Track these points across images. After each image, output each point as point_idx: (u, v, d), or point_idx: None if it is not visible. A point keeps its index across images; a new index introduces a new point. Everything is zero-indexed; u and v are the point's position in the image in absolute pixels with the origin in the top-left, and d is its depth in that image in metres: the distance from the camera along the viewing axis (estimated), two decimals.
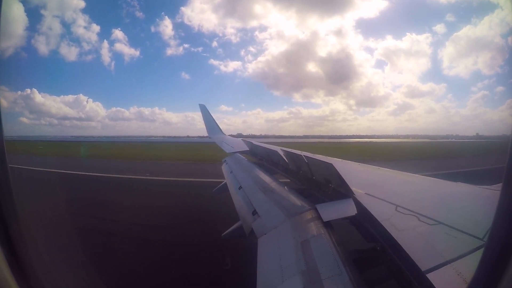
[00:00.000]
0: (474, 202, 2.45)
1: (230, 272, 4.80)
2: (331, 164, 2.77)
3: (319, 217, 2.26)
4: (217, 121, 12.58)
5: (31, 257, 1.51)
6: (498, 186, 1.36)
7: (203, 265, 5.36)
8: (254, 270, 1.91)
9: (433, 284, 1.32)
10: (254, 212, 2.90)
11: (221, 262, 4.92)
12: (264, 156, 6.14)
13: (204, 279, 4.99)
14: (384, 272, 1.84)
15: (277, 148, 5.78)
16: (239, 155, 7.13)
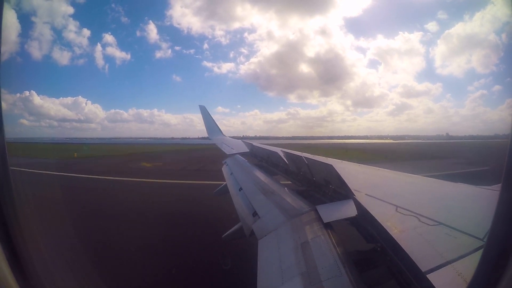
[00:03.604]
0: (474, 202, 2.45)
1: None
2: (331, 165, 2.77)
3: (319, 218, 2.26)
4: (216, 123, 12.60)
5: (32, 257, 1.51)
6: (498, 186, 1.36)
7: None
8: (254, 271, 1.91)
9: (434, 284, 1.32)
10: (255, 214, 2.90)
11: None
12: (264, 157, 6.14)
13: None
14: (385, 273, 1.84)
15: (277, 150, 5.79)
16: (239, 156, 7.14)
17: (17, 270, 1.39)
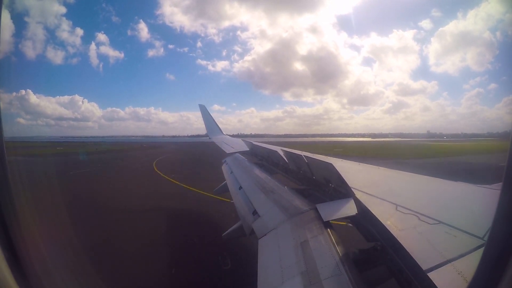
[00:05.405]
0: (474, 201, 2.45)
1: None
2: (331, 164, 2.77)
3: (319, 217, 2.26)
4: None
5: (31, 257, 1.50)
6: (498, 186, 1.37)
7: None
8: (254, 270, 1.91)
9: (434, 283, 1.32)
10: (255, 212, 2.90)
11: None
12: (264, 156, 6.14)
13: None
14: (385, 271, 1.84)
15: (277, 148, 5.80)
16: (239, 155, 7.14)
17: (17, 270, 1.38)
